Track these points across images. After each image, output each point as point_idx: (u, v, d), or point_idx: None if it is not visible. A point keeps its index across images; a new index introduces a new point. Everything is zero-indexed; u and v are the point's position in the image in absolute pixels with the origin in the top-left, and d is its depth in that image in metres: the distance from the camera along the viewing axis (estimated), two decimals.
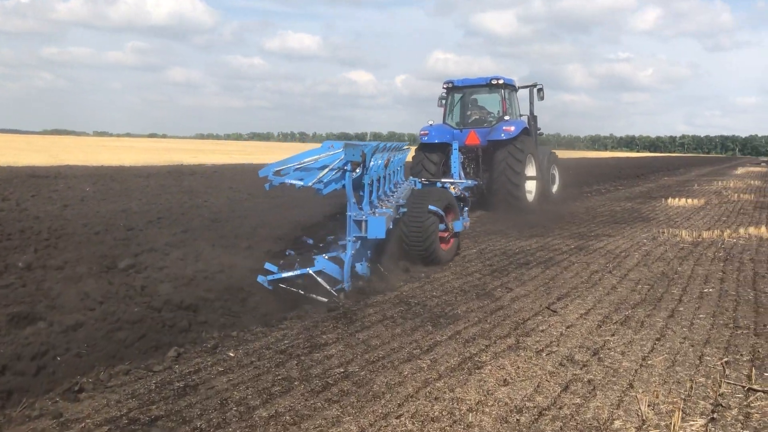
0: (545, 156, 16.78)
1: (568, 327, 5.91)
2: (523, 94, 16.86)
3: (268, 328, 5.85)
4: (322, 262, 6.92)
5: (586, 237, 11.51)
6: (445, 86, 15.93)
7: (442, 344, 5.39)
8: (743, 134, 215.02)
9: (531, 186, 15.24)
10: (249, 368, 4.75)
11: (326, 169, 6.60)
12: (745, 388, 4.39)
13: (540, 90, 16.24)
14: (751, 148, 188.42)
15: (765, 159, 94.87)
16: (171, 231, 10.13)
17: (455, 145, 14.14)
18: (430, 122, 15.59)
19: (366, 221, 7.03)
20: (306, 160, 6.70)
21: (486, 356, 5.07)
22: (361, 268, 7.33)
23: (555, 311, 6.46)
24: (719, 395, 4.27)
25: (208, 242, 9.13)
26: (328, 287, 6.72)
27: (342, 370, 4.69)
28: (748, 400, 4.20)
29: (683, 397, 4.25)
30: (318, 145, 7.01)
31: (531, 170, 15.26)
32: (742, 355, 5.14)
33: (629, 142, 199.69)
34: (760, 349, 5.21)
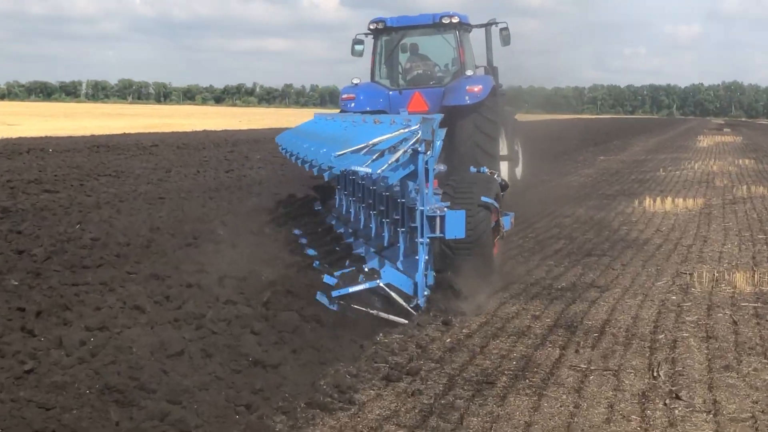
0: (510, 124, 18.13)
1: None
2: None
3: None
4: (390, 272, 9.07)
5: (556, 292, 10.58)
6: (371, 27, 17.35)
7: None
8: (682, 83, 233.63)
9: (503, 170, 16.48)
10: None
11: (400, 152, 8.72)
12: None
13: (503, 30, 17.74)
14: (694, 104, 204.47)
15: (722, 121, 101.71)
16: None
17: (404, 114, 14.85)
18: (356, 81, 17.00)
19: (442, 217, 9.16)
20: (374, 140, 8.99)
21: None
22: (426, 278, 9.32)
23: None
24: None
25: None
26: (403, 303, 8.78)
27: None
28: None
29: None
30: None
31: (502, 147, 16.81)
32: None
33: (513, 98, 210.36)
34: None
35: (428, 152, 8.93)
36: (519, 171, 19.15)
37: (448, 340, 8.33)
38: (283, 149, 15.69)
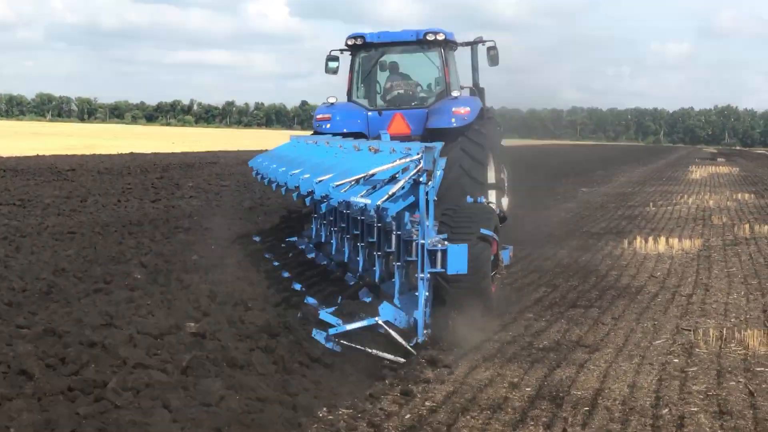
0: (497, 149, 18.57)
1: None
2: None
3: None
4: (388, 309, 9.70)
5: (537, 352, 10.39)
6: (349, 42, 17.98)
7: None
8: (671, 107, 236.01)
9: (492, 199, 17.30)
10: None
11: (401, 182, 9.48)
12: None
13: (491, 49, 18.66)
14: (683, 130, 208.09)
15: (715, 150, 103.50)
16: None
17: (386, 138, 15.18)
18: (332, 99, 17.73)
19: (443, 252, 9.78)
20: (374, 170, 9.97)
21: None
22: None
23: None
24: None
25: None
26: (402, 341, 9.43)
27: None
28: None
29: None
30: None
31: (490, 175, 17.37)
32: None
33: None
34: None
35: (429, 183, 9.55)
36: (505, 201, 19.58)
37: (408, 416, 7.90)
38: (258, 175, 16.51)
